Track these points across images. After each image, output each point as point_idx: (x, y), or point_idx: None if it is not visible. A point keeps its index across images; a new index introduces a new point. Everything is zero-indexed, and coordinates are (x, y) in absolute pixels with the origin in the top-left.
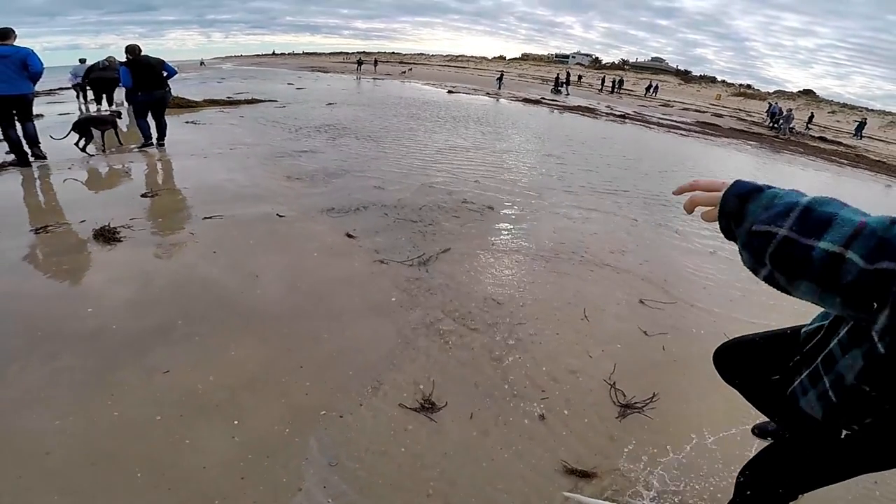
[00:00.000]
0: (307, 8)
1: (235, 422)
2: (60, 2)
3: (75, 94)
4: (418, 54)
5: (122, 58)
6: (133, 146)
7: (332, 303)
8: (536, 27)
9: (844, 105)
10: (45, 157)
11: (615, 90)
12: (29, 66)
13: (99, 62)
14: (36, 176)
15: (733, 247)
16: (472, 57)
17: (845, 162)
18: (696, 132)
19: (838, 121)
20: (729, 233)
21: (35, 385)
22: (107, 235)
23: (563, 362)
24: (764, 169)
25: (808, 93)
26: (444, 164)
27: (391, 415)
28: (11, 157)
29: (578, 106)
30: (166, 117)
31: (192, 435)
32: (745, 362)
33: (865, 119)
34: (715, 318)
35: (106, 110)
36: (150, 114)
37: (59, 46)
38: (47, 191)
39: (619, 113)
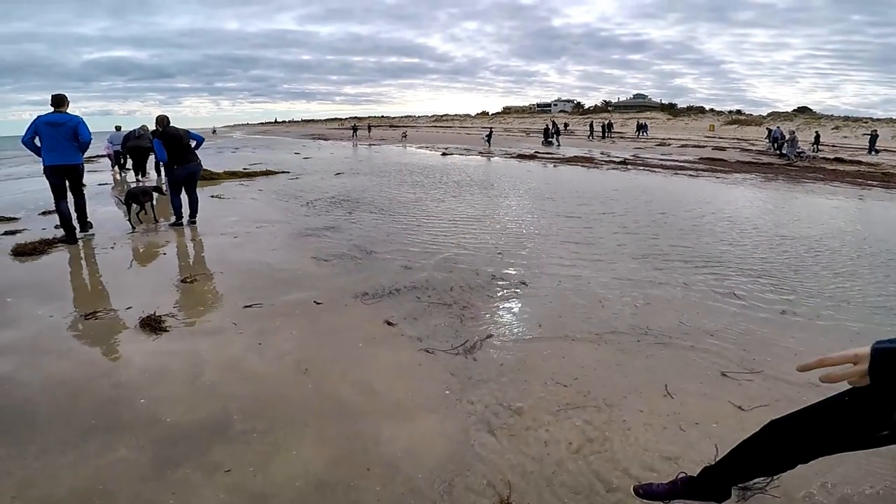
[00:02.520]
0: (301, 76)
1: None
2: (93, 67)
3: (110, 162)
4: (405, 116)
5: (151, 123)
6: (164, 222)
7: (386, 397)
8: (513, 78)
9: (847, 118)
10: (91, 226)
11: (606, 135)
12: (79, 136)
13: (135, 130)
14: (82, 255)
15: (805, 309)
16: (456, 115)
17: (874, 183)
18: (704, 171)
19: (846, 136)
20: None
21: (93, 475)
22: (153, 325)
23: (656, 448)
24: (794, 205)
25: (804, 110)
26: (461, 237)
27: None
28: (61, 231)
29: (575, 156)
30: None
31: None
32: (820, 433)
33: (876, 131)
34: (821, 387)
35: (141, 181)
36: (182, 188)
37: (94, 112)
38: (94, 272)
39: (618, 160)
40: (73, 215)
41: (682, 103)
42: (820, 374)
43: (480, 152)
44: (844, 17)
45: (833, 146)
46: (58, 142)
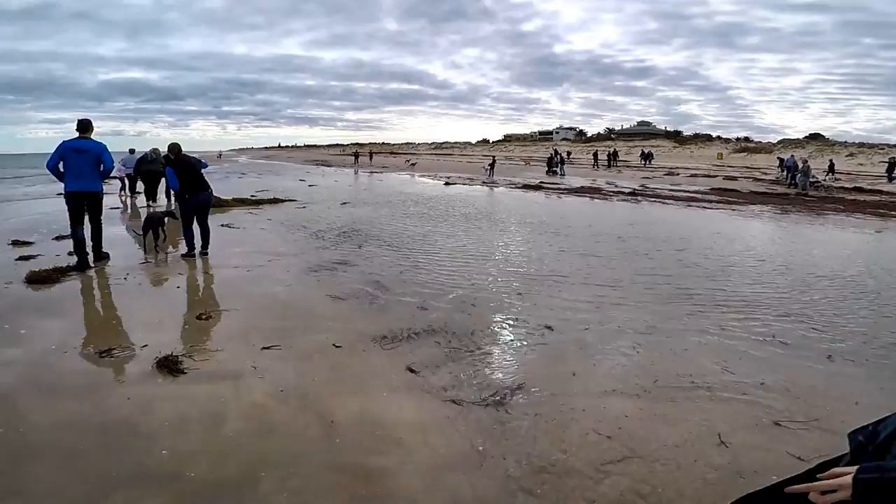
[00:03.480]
0: (305, 101)
1: None
2: (107, 87)
3: (120, 184)
4: (406, 143)
5: (162, 146)
6: (172, 251)
7: (416, 454)
8: (514, 106)
9: (861, 144)
10: (107, 257)
11: (611, 164)
12: (103, 163)
13: (147, 154)
14: (95, 286)
15: (853, 354)
16: (456, 143)
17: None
18: (717, 202)
19: (861, 164)
20: None
21: None
22: (170, 366)
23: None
24: (821, 239)
25: (816, 137)
26: (476, 276)
27: None
28: (75, 258)
29: (582, 187)
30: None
31: None
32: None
33: (894, 158)
34: None
35: (152, 206)
36: (193, 218)
37: (105, 132)
38: (108, 305)
39: (627, 191)
40: (88, 243)
41: (687, 130)
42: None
43: (484, 182)
44: (855, 41)
45: (849, 174)
46: (82, 168)
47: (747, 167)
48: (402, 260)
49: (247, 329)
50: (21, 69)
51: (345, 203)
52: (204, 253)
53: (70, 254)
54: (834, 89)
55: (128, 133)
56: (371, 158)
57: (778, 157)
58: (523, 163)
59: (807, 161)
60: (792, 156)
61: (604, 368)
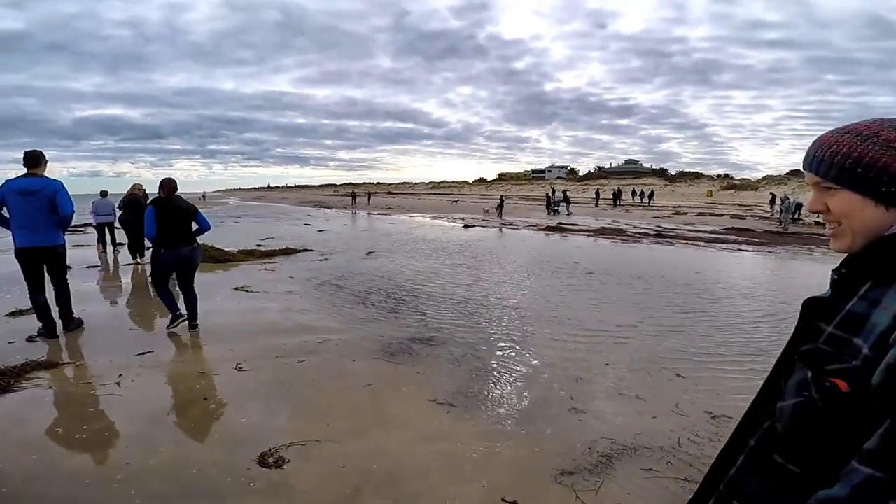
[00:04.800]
0: (295, 140)
1: None
2: (84, 125)
3: (98, 234)
4: (402, 183)
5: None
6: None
7: None
8: (506, 144)
9: None
10: (81, 324)
11: (616, 203)
12: (58, 208)
13: (122, 200)
14: (75, 395)
15: None
16: (454, 182)
17: None
18: (744, 244)
19: None
20: None
21: None
22: None
23: None
24: None
25: (797, 173)
26: (607, 356)
27: None
28: (34, 350)
29: (603, 228)
30: (199, 277)
31: None
32: None
33: None
34: None
35: (140, 262)
36: (168, 279)
37: (82, 172)
38: (101, 440)
39: (652, 232)
40: (54, 307)
41: (670, 168)
42: None
43: (502, 224)
44: (819, 77)
45: None
46: (31, 216)
47: (737, 204)
48: (492, 332)
49: (353, 482)
50: None
51: (370, 253)
52: (193, 326)
53: (29, 339)
54: (800, 126)
55: (106, 174)
56: (369, 199)
57: (771, 193)
58: (525, 202)
59: (787, 197)
60: (789, 196)
61: None
